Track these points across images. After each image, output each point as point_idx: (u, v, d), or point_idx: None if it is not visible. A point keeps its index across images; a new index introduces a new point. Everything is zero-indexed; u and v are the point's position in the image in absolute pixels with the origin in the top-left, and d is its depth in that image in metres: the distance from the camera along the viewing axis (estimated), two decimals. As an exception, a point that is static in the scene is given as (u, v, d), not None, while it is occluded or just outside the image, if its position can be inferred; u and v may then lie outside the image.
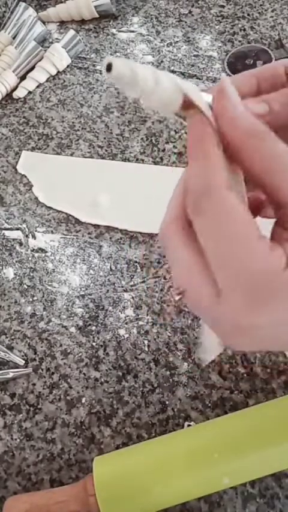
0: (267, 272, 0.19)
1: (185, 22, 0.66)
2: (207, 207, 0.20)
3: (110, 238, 0.51)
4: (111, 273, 0.49)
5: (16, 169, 0.55)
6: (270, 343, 0.22)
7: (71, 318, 0.47)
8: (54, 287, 0.48)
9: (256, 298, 0.19)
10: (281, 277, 0.19)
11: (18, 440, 0.42)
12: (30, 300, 0.48)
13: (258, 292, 0.19)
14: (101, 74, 0.62)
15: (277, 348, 0.24)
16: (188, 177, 0.21)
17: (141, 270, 0.49)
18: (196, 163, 0.21)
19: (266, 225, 0.22)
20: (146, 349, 0.45)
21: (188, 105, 0.21)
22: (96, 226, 0.51)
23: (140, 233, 0.51)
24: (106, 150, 0.56)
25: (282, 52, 0.60)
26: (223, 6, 0.67)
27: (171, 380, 0.43)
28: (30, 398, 0.43)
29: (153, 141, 0.56)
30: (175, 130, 0.57)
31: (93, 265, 0.49)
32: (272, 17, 0.65)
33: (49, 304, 0.47)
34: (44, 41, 0.65)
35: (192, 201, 0.21)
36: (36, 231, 0.51)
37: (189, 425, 0.41)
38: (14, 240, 0.51)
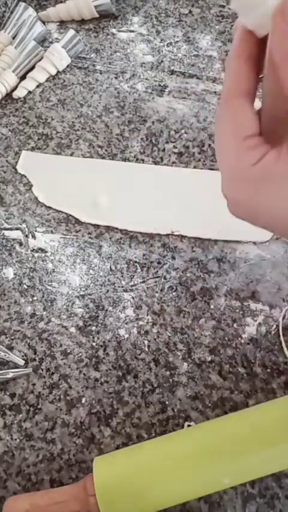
0: (238, 166, 0.25)
1: (185, 22, 0.66)
2: (222, 106, 0.25)
3: (110, 238, 0.51)
4: (111, 273, 0.49)
5: (16, 169, 0.55)
6: (259, 217, 0.27)
7: (71, 318, 0.47)
8: (54, 287, 0.48)
9: (229, 184, 0.26)
10: (247, 171, 0.24)
11: (18, 440, 0.42)
12: (30, 300, 0.48)
13: (231, 179, 0.25)
14: (101, 73, 0.62)
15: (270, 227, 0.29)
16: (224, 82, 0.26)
17: (141, 270, 0.49)
18: (227, 70, 0.26)
19: None
20: (146, 349, 0.45)
21: None
22: (96, 226, 0.51)
23: (140, 233, 0.51)
24: (106, 150, 0.56)
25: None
26: (223, 6, 0.67)
27: (171, 380, 0.43)
28: (30, 399, 0.43)
29: (153, 141, 0.56)
30: (175, 130, 0.57)
31: (93, 265, 0.49)
32: (272, 16, 0.65)
33: (49, 304, 0.47)
34: (43, 41, 0.65)
35: (221, 97, 0.26)
36: (36, 231, 0.51)
37: (189, 426, 0.41)
38: (13, 240, 0.51)
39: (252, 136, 0.25)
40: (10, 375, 0.43)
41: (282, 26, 0.21)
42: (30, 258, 0.50)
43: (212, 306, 0.46)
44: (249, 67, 0.25)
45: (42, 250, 0.50)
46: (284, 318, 0.45)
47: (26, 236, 0.51)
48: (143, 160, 0.55)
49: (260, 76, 0.26)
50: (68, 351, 0.45)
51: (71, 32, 0.62)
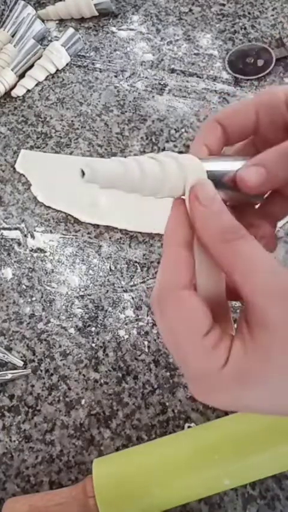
0: (206, 370, 0.21)
1: (185, 20, 0.65)
2: (163, 304, 0.22)
3: (110, 238, 0.50)
4: (110, 273, 0.48)
5: (14, 168, 0.55)
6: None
7: (70, 319, 0.46)
8: (53, 287, 0.48)
9: (200, 389, 0.22)
10: (217, 375, 0.21)
11: (17, 442, 0.41)
12: (29, 300, 0.47)
13: (201, 385, 0.22)
14: (100, 72, 0.62)
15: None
16: (159, 269, 0.23)
17: (141, 270, 0.48)
18: (164, 258, 0.23)
19: None
20: (146, 350, 0.45)
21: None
22: (96, 226, 0.51)
23: (140, 233, 0.50)
24: (106, 149, 0.56)
25: (283, 51, 0.60)
26: (224, 5, 0.66)
27: (171, 381, 0.43)
28: (29, 400, 0.43)
29: (153, 140, 0.56)
30: (175, 129, 0.56)
31: (92, 266, 0.49)
32: (272, 15, 0.65)
33: (48, 304, 0.47)
34: (43, 39, 0.65)
35: (155, 297, 0.22)
36: (35, 230, 0.51)
37: (189, 427, 0.41)
38: (12, 239, 0.51)
39: (209, 330, 0.21)
40: (9, 376, 0.43)
41: (199, 210, 0.22)
42: (29, 258, 0.50)
43: (212, 307, 0.46)
44: (188, 253, 0.22)
45: (41, 250, 0.50)
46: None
47: (25, 236, 0.51)
48: (142, 159, 0.55)
49: None
50: (67, 352, 0.45)
51: (71, 30, 0.62)
